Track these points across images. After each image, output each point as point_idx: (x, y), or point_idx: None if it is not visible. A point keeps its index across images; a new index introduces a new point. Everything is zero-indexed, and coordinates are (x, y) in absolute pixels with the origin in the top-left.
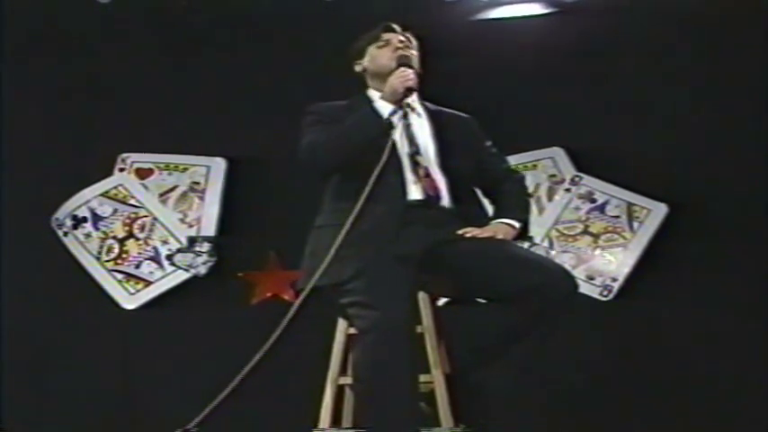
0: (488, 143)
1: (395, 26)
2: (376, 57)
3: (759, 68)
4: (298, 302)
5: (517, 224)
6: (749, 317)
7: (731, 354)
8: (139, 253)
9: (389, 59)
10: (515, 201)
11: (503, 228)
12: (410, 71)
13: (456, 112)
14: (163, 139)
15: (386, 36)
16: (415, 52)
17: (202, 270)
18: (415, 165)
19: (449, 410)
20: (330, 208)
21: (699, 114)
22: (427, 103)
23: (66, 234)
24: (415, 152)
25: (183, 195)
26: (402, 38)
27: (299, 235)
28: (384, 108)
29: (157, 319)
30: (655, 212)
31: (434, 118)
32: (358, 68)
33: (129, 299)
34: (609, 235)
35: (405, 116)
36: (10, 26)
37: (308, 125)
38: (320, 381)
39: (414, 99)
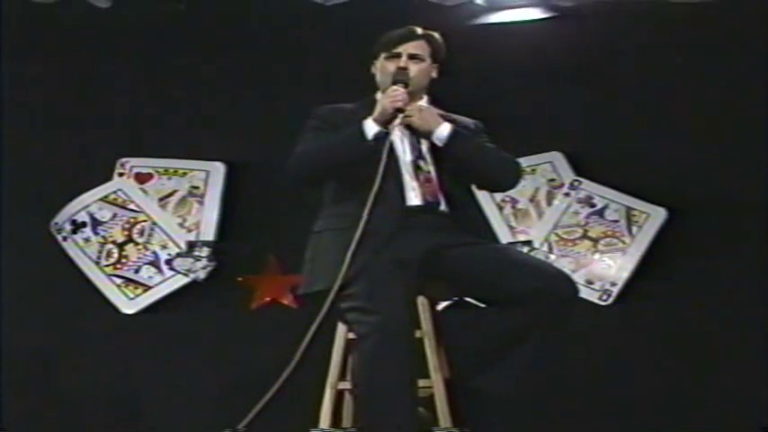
0: (492, 146)
1: (417, 30)
2: (382, 68)
3: (759, 72)
4: (325, 308)
5: (447, 130)
6: (749, 321)
7: (731, 358)
8: (139, 257)
9: (390, 77)
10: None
11: (431, 114)
12: (401, 91)
13: (463, 117)
14: (162, 143)
15: (398, 48)
16: (424, 65)
17: (202, 275)
18: (418, 170)
19: (448, 415)
20: (328, 213)
21: (698, 119)
22: (436, 108)
23: (65, 239)
24: (417, 157)
25: (183, 200)
26: (414, 51)
27: (299, 239)
28: (374, 126)
29: (157, 324)
30: (654, 217)
31: None
32: (373, 70)
33: (129, 303)
34: (608, 239)
35: (408, 127)
36: (9, 30)
37: (306, 131)
38: (319, 385)
39: (423, 103)
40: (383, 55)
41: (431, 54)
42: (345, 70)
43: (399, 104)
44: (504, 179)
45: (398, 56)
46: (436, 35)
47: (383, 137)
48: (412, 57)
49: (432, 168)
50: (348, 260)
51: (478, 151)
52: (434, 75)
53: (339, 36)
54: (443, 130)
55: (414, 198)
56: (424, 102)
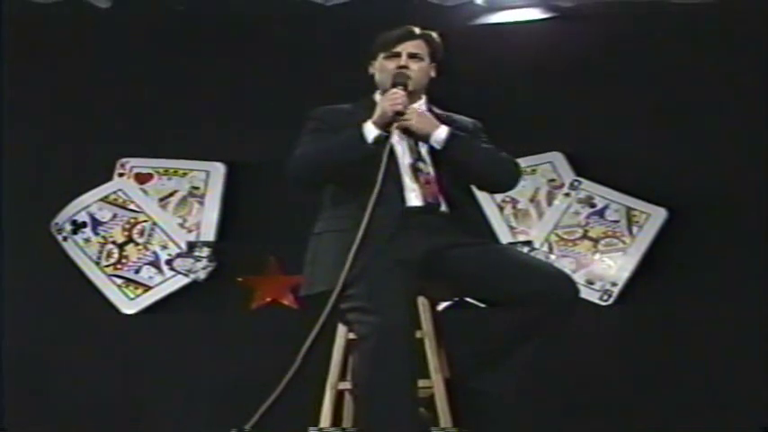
0: (490, 146)
1: (415, 30)
2: (382, 68)
3: (759, 72)
4: (326, 312)
5: (444, 133)
6: (749, 321)
7: (731, 358)
8: (139, 258)
9: (390, 76)
10: (484, 147)
11: (428, 118)
12: (400, 94)
13: (463, 117)
14: (162, 143)
15: (397, 48)
16: (424, 64)
17: (202, 275)
18: (417, 172)
19: (449, 415)
20: (329, 214)
21: (698, 119)
22: (435, 108)
23: (65, 239)
24: (416, 159)
25: (183, 200)
26: (413, 50)
27: (299, 240)
28: (373, 129)
29: (157, 324)
30: (654, 217)
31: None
32: (371, 71)
33: (129, 304)
34: (608, 239)
35: (405, 130)
36: (9, 30)
37: (306, 132)
38: (320, 385)
39: (421, 105)
40: (382, 55)
41: (429, 53)
42: (346, 70)
43: (399, 107)
44: (504, 180)
45: (398, 55)
46: (434, 35)
47: (383, 140)
48: (412, 56)
49: (431, 170)
50: (350, 262)
51: (477, 153)
52: (433, 74)
53: (339, 36)
54: (441, 133)
55: (414, 199)
56: (423, 101)
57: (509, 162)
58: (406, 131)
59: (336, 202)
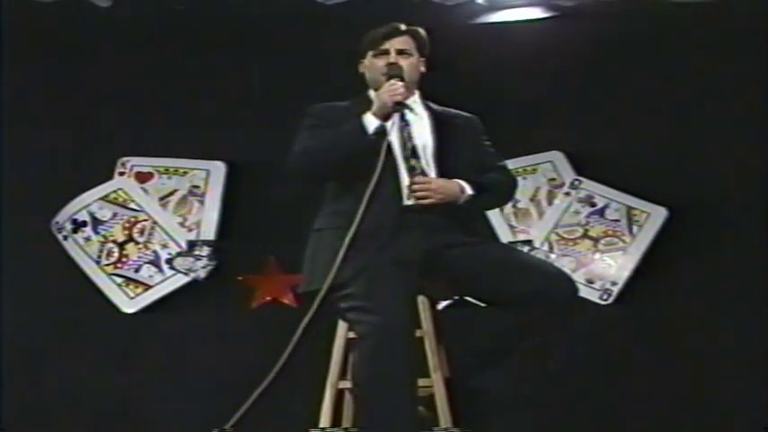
0: (488, 142)
1: (400, 27)
2: (371, 66)
3: (759, 71)
4: (314, 307)
5: (470, 190)
6: (749, 321)
7: (731, 357)
8: (139, 257)
9: (382, 73)
10: (488, 180)
11: (452, 184)
12: (399, 84)
13: (459, 112)
14: (163, 142)
15: (385, 45)
16: (413, 59)
17: (202, 274)
18: (411, 168)
19: (449, 414)
20: (328, 211)
21: (698, 118)
22: (430, 103)
23: (65, 238)
24: (409, 155)
25: (183, 199)
26: (401, 46)
27: (299, 239)
28: (374, 120)
29: (157, 323)
30: (654, 216)
31: (436, 118)
32: (361, 69)
33: (129, 303)
34: (609, 239)
35: (402, 117)
36: (9, 30)
37: (304, 129)
38: (320, 384)
39: (415, 99)
40: (371, 53)
41: (417, 49)
42: (345, 70)
43: (399, 98)
44: (506, 202)
45: (386, 52)
46: (420, 30)
47: (382, 131)
48: (400, 51)
49: (428, 165)
50: (339, 260)
51: (491, 198)
52: (422, 69)
53: (339, 36)
54: (467, 196)
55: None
56: (416, 96)
57: (510, 183)
58: (429, 208)
59: (336, 199)
